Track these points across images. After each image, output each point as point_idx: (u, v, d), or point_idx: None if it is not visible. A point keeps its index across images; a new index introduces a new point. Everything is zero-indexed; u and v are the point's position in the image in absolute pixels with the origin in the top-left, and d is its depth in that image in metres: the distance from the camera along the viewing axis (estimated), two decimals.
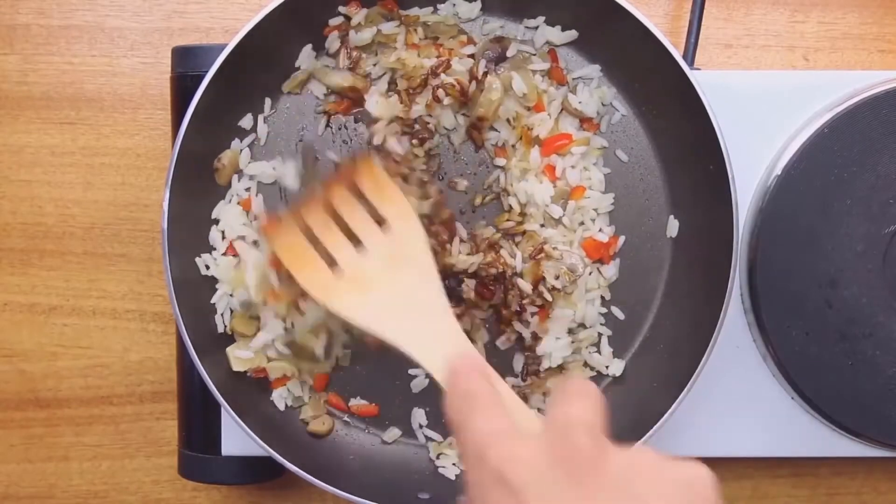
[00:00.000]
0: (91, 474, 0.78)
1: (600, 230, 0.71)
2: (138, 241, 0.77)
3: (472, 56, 0.69)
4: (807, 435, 0.71)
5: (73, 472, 0.78)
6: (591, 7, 0.66)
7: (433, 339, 0.57)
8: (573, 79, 0.71)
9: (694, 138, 0.66)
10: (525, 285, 0.68)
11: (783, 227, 0.69)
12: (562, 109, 0.70)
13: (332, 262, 0.61)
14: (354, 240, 0.62)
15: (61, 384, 0.78)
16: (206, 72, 0.64)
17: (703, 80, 0.64)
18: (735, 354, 0.71)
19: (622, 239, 0.71)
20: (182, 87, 0.69)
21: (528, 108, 0.70)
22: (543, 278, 0.68)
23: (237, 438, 0.69)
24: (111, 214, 0.77)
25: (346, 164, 0.65)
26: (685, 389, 0.64)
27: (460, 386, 0.50)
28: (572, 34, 0.70)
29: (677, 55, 0.64)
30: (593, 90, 0.70)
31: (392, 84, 0.70)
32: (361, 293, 0.60)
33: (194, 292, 0.68)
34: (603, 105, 0.71)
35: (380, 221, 0.62)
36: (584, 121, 0.71)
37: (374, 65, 0.70)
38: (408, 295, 0.59)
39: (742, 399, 0.71)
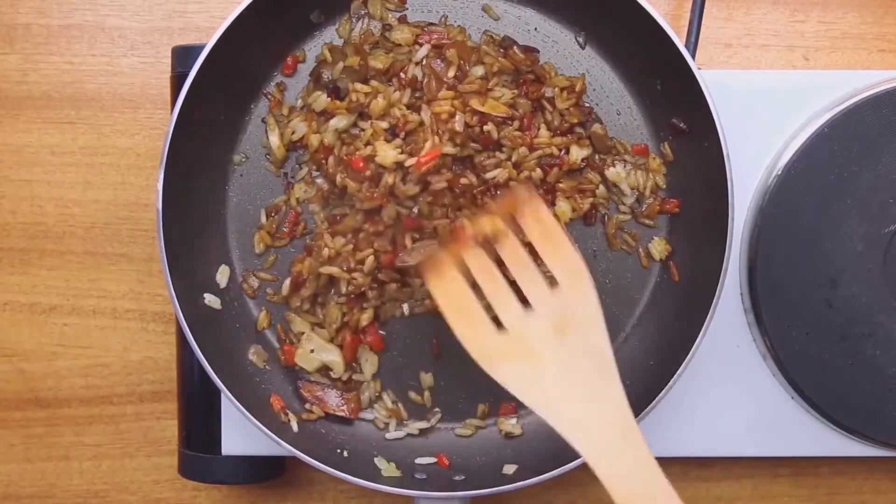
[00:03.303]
0: (91, 474, 0.78)
1: None
2: (138, 241, 0.77)
3: None
4: (807, 435, 0.71)
5: (73, 472, 0.78)
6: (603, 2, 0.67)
7: (613, 450, 0.50)
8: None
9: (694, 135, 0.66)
10: None
11: (783, 227, 0.69)
12: None
13: (494, 317, 0.55)
14: (519, 294, 0.55)
15: (61, 384, 0.78)
16: None
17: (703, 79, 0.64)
18: (735, 354, 0.71)
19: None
20: (182, 86, 0.69)
21: None
22: None
23: (237, 438, 0.69)
24: (111, 214, 0.77)
25: (503, 199, 0.57)
26: (678, 372, 0.64)
27: None
28: None
29: (682, 48, 0.64)
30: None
31: None
32: (530, 366, 0.54)
33: (194, 286, 0.68)
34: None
35: (545, 274, 0.56)
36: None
37: None
38: (583, 382, 0.53)
39: (742, 399, 0.71)
